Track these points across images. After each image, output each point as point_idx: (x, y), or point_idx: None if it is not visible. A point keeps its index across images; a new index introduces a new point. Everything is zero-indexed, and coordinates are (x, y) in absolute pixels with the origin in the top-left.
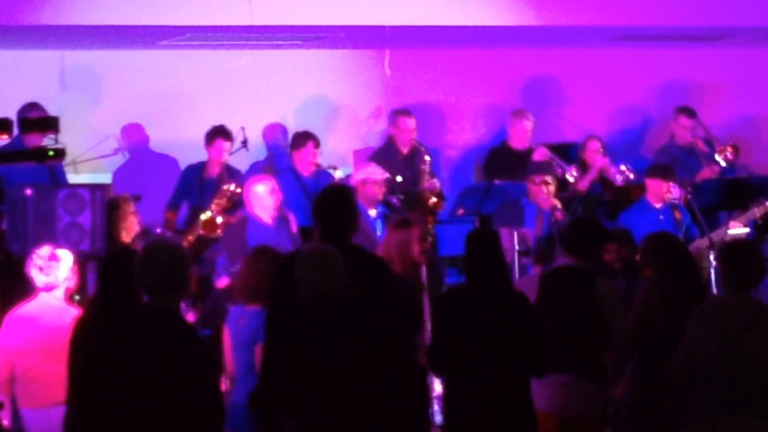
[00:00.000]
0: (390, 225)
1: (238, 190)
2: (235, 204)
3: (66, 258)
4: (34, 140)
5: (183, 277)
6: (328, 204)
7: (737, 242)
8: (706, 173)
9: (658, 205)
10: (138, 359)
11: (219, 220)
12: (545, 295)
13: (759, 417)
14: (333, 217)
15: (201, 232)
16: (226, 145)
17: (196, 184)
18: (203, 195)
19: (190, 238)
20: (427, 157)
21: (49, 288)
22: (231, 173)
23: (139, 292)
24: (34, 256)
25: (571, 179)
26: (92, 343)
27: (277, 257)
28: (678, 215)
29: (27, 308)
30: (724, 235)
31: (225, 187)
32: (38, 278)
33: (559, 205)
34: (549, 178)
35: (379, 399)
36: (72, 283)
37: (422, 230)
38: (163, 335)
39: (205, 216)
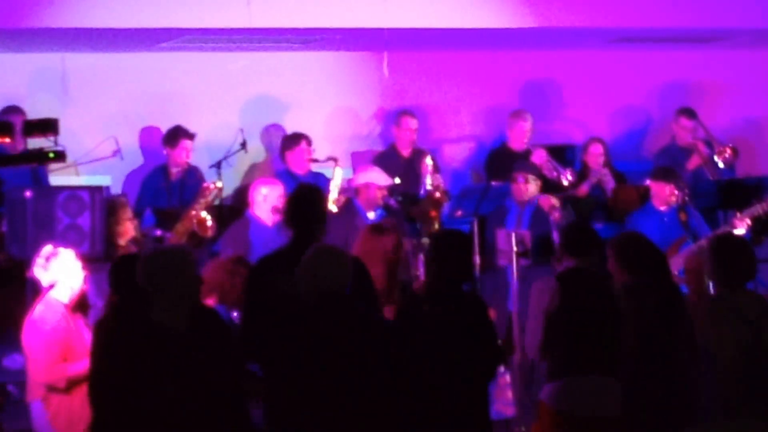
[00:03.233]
0: (364, 231)
1: (219, 184)
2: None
3: (66, 255)
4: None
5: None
6: (300, 204)
7: (730, 238)
8: (696, 161)
9: (662, 208)
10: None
11: (209, 220)
12: (566, 298)
13: None
14: (304, 217)
15: (195, 229)
16: (190, 143)
17: (163, 188)
18: (171, 198)
19: (182, 239)
20: (428, 160)
21: (51, 286)
22: (198, 171)
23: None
24: (38, 258)
25: (566, 182)
26: (113, 347)
27: (247, 265)
28: (683, 217)
29: (36, 309)
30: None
31: (206, 184)
32: (43, 277)
33: (557, 204)
34: (531, 177)
35: (364, 398)
36: (78, 282)
37: (398, 239)
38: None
39: (198, 216)
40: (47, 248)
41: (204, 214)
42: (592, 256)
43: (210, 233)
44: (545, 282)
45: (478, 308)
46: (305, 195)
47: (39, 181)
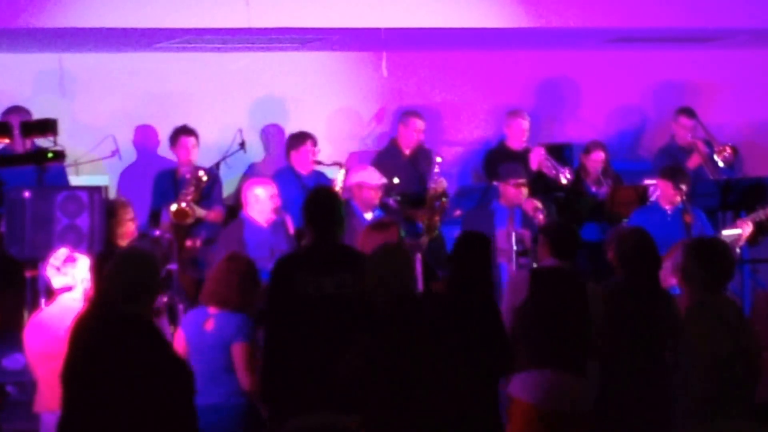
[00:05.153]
0: (367, 228)
1: (205, 177)
2: (204, 192)
3: (83, 260)
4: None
5: (152, 284)
6: (318, 206)
7: (710, 240)
8: (696, 160)
9: (667, 207)
10: (109, 366)
11: (183, 205)
12: (536, 293)
13: (753, 417)
14: (324, 218)
15: (174, 221)
16: (191, 141)
17: (171, 189)
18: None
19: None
20: (438, 159)
21: (66, 289)
22: (205, 170)
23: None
24: (51, 258)
25: (564, 181)
26: (78, 347)
27: (250, 263)
28: (688, 218)
29: (47, 311)
30: (728, 237)
31: (190, 175)
32: (56, 280)
33: (540, 206)
34: (523, 181)
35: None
36: (89, 285)
37: (399, 235)
38: (131, 344)
39: (173, 207)
40: (62, 252)
41: (176, 205)
42: (572, 259)
43: (189, 221)
44: (518, 275)
45: (491, 308)
46: (322, 195)
47: (42, 181)
